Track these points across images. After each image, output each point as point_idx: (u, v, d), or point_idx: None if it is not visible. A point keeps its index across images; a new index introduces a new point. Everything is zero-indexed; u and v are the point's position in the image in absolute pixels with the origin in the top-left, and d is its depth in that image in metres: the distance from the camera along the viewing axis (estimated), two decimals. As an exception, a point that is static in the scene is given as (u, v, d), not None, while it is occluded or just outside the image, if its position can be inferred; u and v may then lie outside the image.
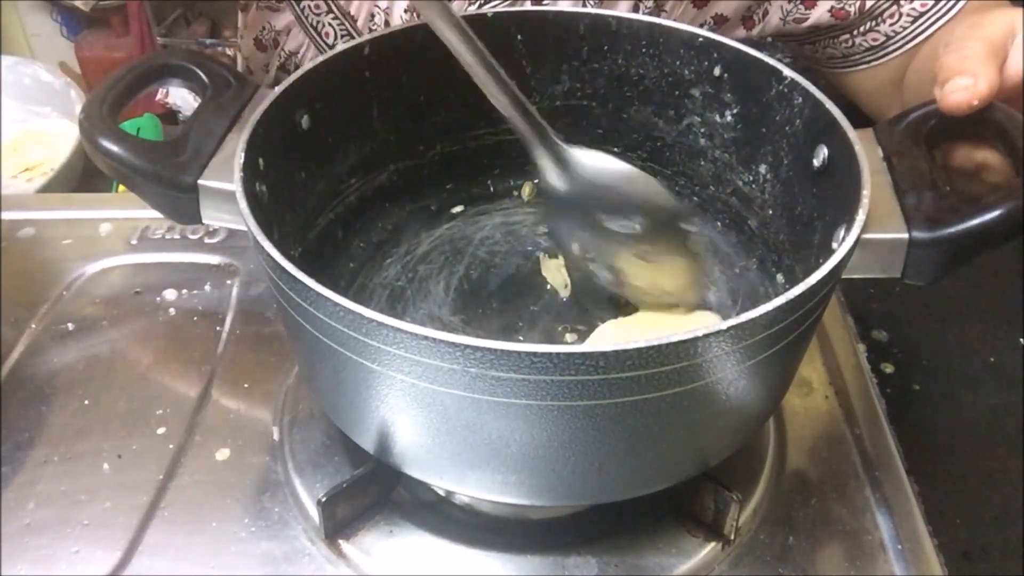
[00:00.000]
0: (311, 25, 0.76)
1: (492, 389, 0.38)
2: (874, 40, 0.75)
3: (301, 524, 0.52)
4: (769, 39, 0.82)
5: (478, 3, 0.73)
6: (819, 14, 0.75)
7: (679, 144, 0.63)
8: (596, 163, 0.55)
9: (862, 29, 0.75)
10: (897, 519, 0.53)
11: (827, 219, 0.50)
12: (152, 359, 0.63)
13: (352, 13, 0.75)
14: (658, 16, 0.73)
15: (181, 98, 1.50)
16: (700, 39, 0.58)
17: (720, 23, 0.77)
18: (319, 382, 0.49)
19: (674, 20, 0.74)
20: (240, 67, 0.88)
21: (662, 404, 0.40)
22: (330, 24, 0.75)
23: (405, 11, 0.73)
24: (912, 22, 0.72)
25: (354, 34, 0.75)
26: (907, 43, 0.73)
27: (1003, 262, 0.74)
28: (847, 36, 0.76)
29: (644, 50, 0.60)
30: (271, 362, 0.62)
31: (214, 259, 0.71)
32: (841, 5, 0.73)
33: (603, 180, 0.55)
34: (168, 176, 0.48)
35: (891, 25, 0.73)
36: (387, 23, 0.74)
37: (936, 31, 0.71)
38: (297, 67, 0.80)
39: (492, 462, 0.43)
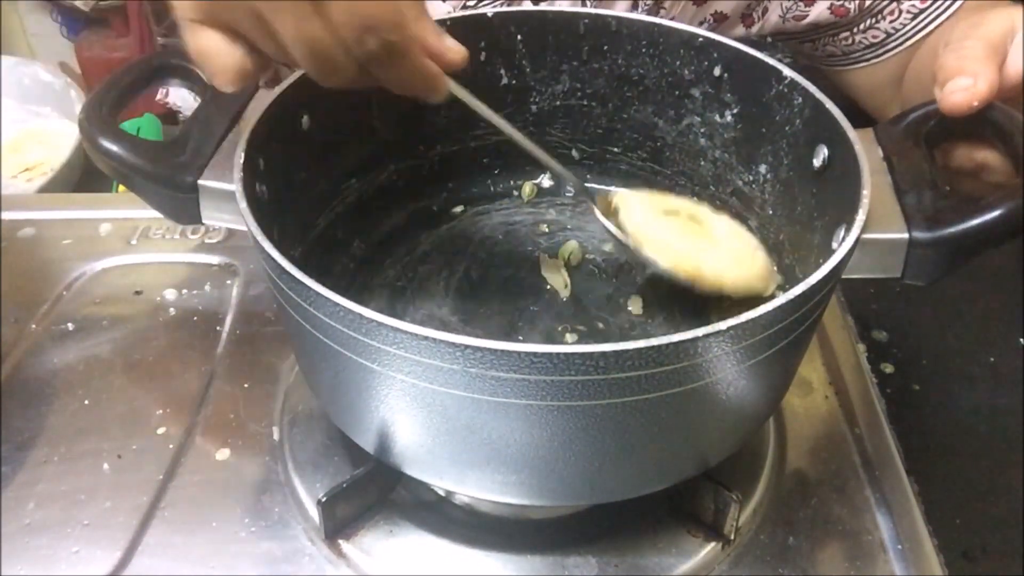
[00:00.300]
0: None
1: (492, 389, 0.38)
2: (874, 37, 0.74)
3: (301, 524, 0.52)
4: (769, 39, 0.82)
5: (483, 2, 0.72)
6: (819, 11, 0.75)
7: (679, 144, 0.63)
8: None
9: (862, 27, 0.75)
10: (897, 519, 0.53)
11: (827, 219, 0.50)
12: (152, 359, 0.63)
13: None
14: (657, 14, 0.74)
15: (181, 98, 1.50)
16: (700, 39, 0.58)
17: (719, 20, 0.77)
18: (319, 382, 0.49)
19: (673, 18, 0.74)
20: None
21: (662, 404, 0.40)
22: None
23: None
24: (912, 19, 0.72)
25: None
26: (907, 40, 0.73)
27: (1003, 262, 0.74)
28: (847, 34, 0.76)
29: (644, 50, 0.60)
30: (271, 362, 0.62)
31: (214, 259, 0.71)
32: (841, 2, 0.73)
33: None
34: (168, 176, 0.48)
35: (891, 22, 0.73)
36: None
37: (936, 28, 0.71)
38: (298, 60, 0.80)
39: (492, 462, 0.43)
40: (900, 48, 0.74)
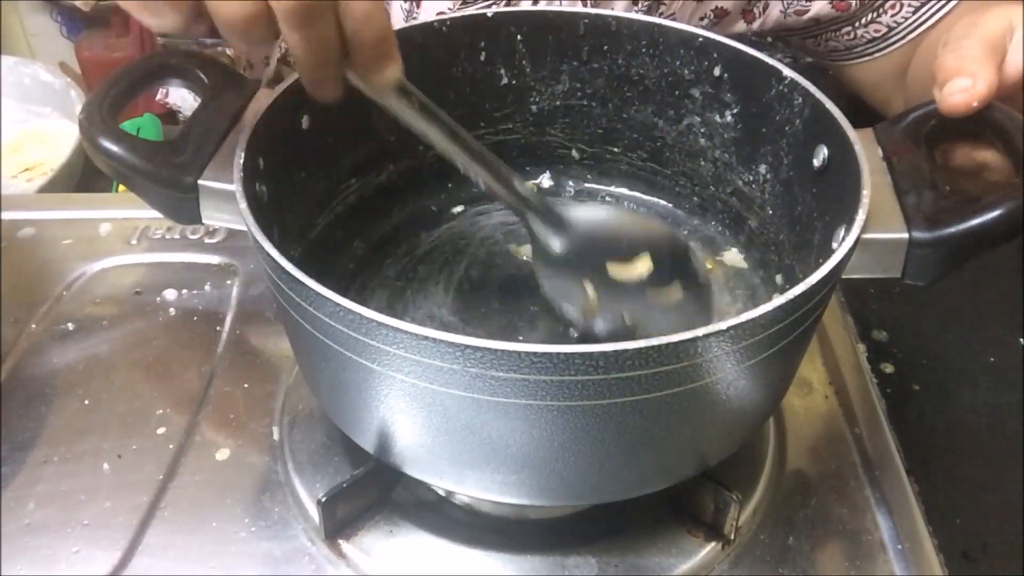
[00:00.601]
0: None
1: (492, 389, 0.38)
2: (876, 31, 0.74)
3: (301, 524, 0.52)
4: (769, 39, 0.82)
5: (480, 1, 0.72)
6: (820, 6, 0.74)
7: (679, 144, 0.63)
8: (589, 214, 0.56)
9: (863, 21, 0.74)
10: (897, 519, 0.53)
11: (827, 219, 0.50)
12: (152, 359, 0.63)
13: None
14: (656, 11, 0.73)
15: (181, 98, 1.50)
16: (700, 39, 0.58)
17: (720, 17, 0.76)
18: (319, 382, 0.49)
19: (673, 15, 0.74)
20: (241, 61, 0.88)
21: (662, 404, 0.40)
22: None
23: (404, 2, 0.73)
24: (913, 12, 0.72)
25: None
26: (909, 33, 0.73)
27: (1003, 262, 0.74)
28: (848, 28, 0.76)
29: (644, 50, 0.60)
30: (271, 362, 0.62)
31: (214, 259, 0.71)
32: None
33: (601, 227, 0.55)
34: (168, 176, 0.48)
35: (893, 16, 0.73)
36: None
37: (938, 21, 0.71)
38: (298, 58, 0.80)
39: (492, 462, 0.43)
40: (902, 42, 0.73)
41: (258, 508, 0.53)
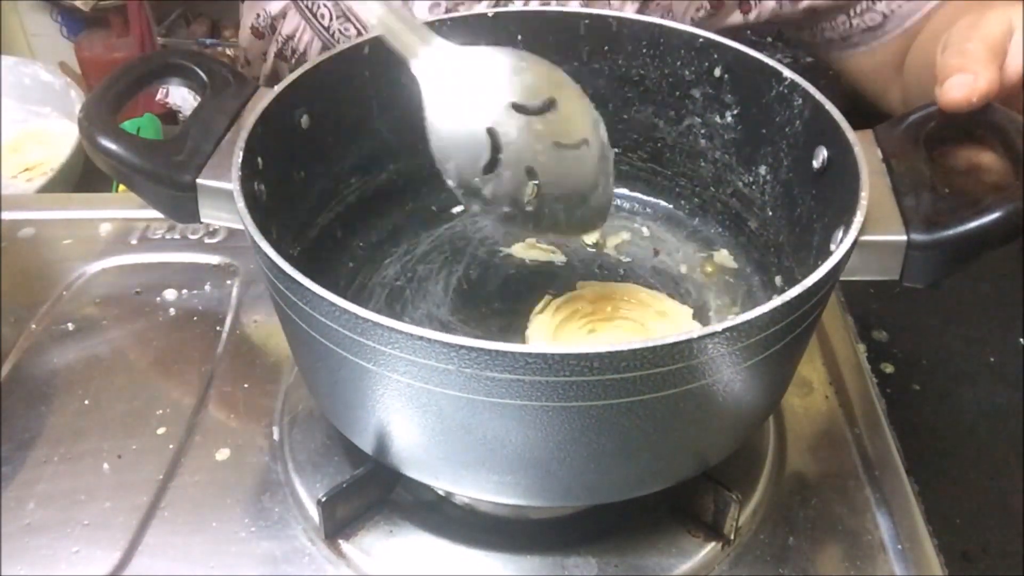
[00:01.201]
0: (306, 7, 0.76)
1: (487, 390, 0.38)
2: (872, 20, 0.74)
3: (301, 524, 0.52)
4: (769, 40, 0.82)
5: (463, 5, 0.72)
6: None
7: (679, 145, 0.63)
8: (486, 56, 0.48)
9: (859, 9, 0.74)
10: (897, 519, 0.53)
11: (826, 220, 0.50)
12: (152, 359, 0.63)
13: None
14: (654, 1, 0.73)
15: (181, 98, 1.50)
16: (700, 40, 0.58)
17: (717, 8, 0.76)
18: (317, 382, 0.49)
19: (670, 6, 0.74)
20: (240, 59, 0.88)
21: (658, 405, 0.40)
22: (325, 5, 0.75)
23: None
24: None
25: (348, 14, 0.75)
26: (905, 20, 0.73)
27: (1003, 262, 0.74)
28: (844, 18, 0.76)
29: (644, 51, 0.60)
30: (271, 362, 0.62)
31: (214, 259, 0.71)
32: None
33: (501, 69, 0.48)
34: (167, 175, 0.48)
35: (888, 3, 0.73)
36: None
37: (933, 8, 0.71)
38: (294, 51, 0.80)
39: (488, 462, 0.43)
40: (898, 30, 0.74)
41: (258, 508, 0.53)
